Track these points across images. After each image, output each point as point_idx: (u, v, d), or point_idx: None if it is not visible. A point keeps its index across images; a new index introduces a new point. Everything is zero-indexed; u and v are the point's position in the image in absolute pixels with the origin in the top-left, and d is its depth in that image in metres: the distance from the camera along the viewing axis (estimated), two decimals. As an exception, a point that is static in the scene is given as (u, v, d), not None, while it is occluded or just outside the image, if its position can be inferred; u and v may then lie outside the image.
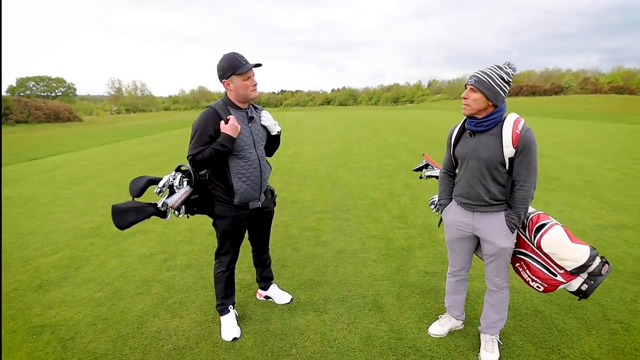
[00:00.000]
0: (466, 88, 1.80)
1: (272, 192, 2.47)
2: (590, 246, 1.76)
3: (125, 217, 1.89)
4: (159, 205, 1.99)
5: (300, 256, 3.44)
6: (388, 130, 15.99)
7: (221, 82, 2.01)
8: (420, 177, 2.53)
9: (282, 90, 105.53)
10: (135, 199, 1.98)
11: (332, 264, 3.27)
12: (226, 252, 2.28)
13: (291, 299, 2.67)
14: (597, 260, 1.75)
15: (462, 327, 2.32)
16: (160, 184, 1.97)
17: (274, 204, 2.48)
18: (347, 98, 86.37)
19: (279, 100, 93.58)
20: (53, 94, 58.08)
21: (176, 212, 2.05)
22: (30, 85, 57.69)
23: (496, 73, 1.73)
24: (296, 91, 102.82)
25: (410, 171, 6.96)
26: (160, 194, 2.00)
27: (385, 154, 9.26)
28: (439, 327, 2.28)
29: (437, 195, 2.37)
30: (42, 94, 56.75)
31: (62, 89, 60.11)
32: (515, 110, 1.81)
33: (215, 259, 2.34)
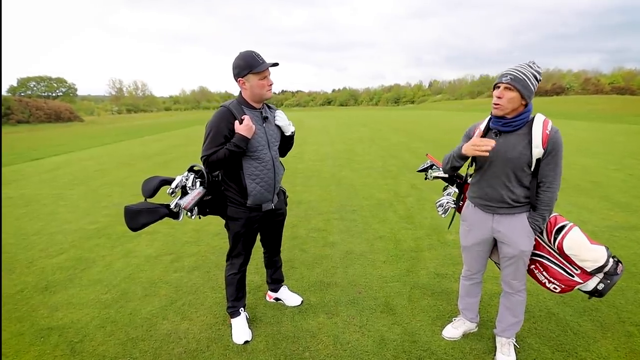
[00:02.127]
0: (498, 87, 1.72)
1: (284, 192, 2.43)
2: (605, 246, 1.79)
3: (139, 218, 1.85)
4: (172, 206, 1.96)
5: (309, 257, 3.41)
6: (390, 130, 15.96)
7: (236, 80, 1.98)
8: (426, 178, 2.40)
9: (282, 91, 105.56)
10: (148, 200, 1.95)
11: (341, 265, 3.24)
12: (238, 254, 2.25)
13: (302, 301, 2.64)
14: (611, 260, 1.78)
15: (476, 330, 2.29)
16: (173, 185, 1.94)
17: (286, 204, 2.44)
18: (347, 98, 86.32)
19: (280, 101, 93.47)
20: (54, 94, 57.92)
21: (189, 214, 2.02)
22: (32, 85, 57.55)
23: (529, 71, 1.68)
24: (297, 91, 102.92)
25: (415, 172, 6.93)
26: (172, 195, 1.96)
27: (388, 154, 9.23)
28: (453, 330, 2.25)
29: (444, 198, 2.31)
30: (43, 94, 56.56)
31: (63, 89, 59.98)
32: None
33: (227, 260, 2.31)
